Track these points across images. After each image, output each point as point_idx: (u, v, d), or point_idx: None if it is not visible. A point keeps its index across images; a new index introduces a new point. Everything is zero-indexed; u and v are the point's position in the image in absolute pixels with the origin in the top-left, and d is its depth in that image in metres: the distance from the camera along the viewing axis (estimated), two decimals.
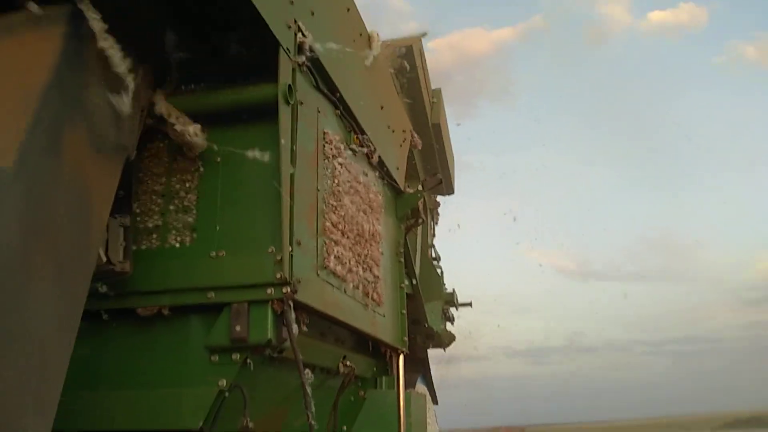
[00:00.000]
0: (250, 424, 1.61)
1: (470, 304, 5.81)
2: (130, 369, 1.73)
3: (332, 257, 2.01)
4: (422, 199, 4.88)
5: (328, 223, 2.03)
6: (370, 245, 2.43)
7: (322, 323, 2.13)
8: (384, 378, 3.52)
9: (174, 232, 1.78)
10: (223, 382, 1.64)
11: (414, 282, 4.24)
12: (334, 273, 2.03)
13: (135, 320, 1.72)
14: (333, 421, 2.34)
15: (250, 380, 1.73)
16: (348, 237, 2.19)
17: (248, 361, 1.67)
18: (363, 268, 2.33)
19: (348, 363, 2.34)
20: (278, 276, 1.64)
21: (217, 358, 1.67)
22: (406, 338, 2.88)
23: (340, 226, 2.12)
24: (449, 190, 5.75)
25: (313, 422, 1.67)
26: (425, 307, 4.58)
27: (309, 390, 1.67)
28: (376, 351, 2.76)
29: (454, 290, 5.59)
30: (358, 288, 2.26)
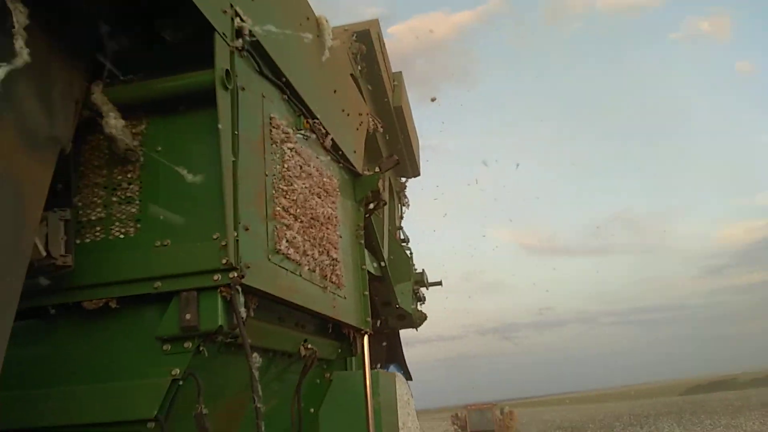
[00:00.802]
0: (205, 411, 1.62)
1: (440, 283, 5.86)
2: (81, 363, 1.72)
3: (284, 241, 2.02)
4: (389, 182, 4.90)
5: (278, 208, 2.03)
6: (327, 228, 2.44)
7: (279, 308, 2.15)
8: (353, 360, 3.56)
9: (118, 223, 1.77)
10: (177, 371, 1.64)
11: (383, 264, 4.27)
12: (287, 257, 2.04)
13: (83, 314, 1.72)
14: (297, 404, 2.36)
15: (206, 368, 1.74)
16: (301, 221, 2.19)
17: (201, 348, 1.68)
18: (319, 251, 2.34)
19: (309, 346, 2.36)
20: (224, 262, 1.65)
21: (169, 347, 1.68)
22: (369, 319, 2.90)
23: (291, 211, 2.13)
24: (415, 173, 5.78)
25: (259, 405, 1.68)
26: (395, 289, 4.64)
27: (257, 374, 1.68)
28: (340, 333, 2.78)
29: (423, 270, 5.63)
30: (314, 271, 2.28)
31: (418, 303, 5.57)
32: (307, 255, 2.21)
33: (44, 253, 1.55)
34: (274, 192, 2.03)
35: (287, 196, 2.12)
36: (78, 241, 1.74)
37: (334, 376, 2.89)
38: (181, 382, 1.66)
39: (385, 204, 3.54)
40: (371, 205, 3.31)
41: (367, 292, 2.92)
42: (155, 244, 1.72)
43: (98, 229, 1.78)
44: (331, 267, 2.45)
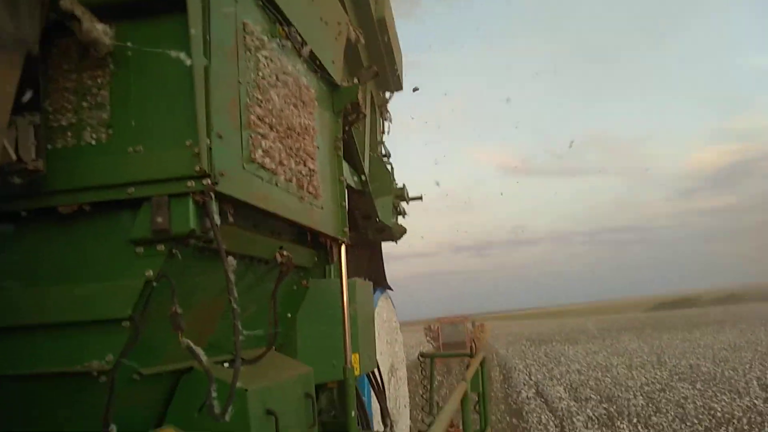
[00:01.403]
0: (179, 310, 1.68)
1: (421, 198, 5.92)
2: (55, 266, 1.76)
3: (259, 150, 2.03)
4: (370, 95, 4.85)
5: (253, 117, 2.02)
6: (303, 139, 2.44)
7: (254, 215, 2.18)
8: (331, 269, 3.65)
9: (89, 129, 1.76)
10: (150, 273, 1.69)
11: (363, 178, 4.29)
12: (262, 166, 2.05)
13: (57, 218, 1.73)
14: (272, 309, 2.44)
15: (180, 271, 1.79)
16: (277, 131, 2.19)
17: (174, 252, 1.72)
18: (296, 161, 2.35)
19: (285, 253, 2.42)
20: (197, 169, 1.66)
21: (142, 250, 1.71)
22: (346, 229, 2.96)
23: (267, 120, 2.12)
24: (397, 87, 5.70)
25: (235, 306, 1.74)
26: (375, 203, 4.67)
27: (233, 277, 1.74)
28: (317, 243, 2.84)
29: (404, 185, 5.67)
30: (291, 181, 2.30)
31: (399, 217, 5.64)
32: (284, 165, 2.23)
33: (14, 157, 1.55)
34: (248, 100, 2.01)
35: (262, 105, 2.10)
36: (50, 147, 1.73)
37: (311, 283, 2.97)
38: (154, 284, 1.71)
39: (365, 117, 3.52)
40: (350, 118, 3.30)
41: (345, 203, 2.97)
42: (128, 150, 1.72)
43: (69, 134, 1.76)
44: (308, 177, 2.47)
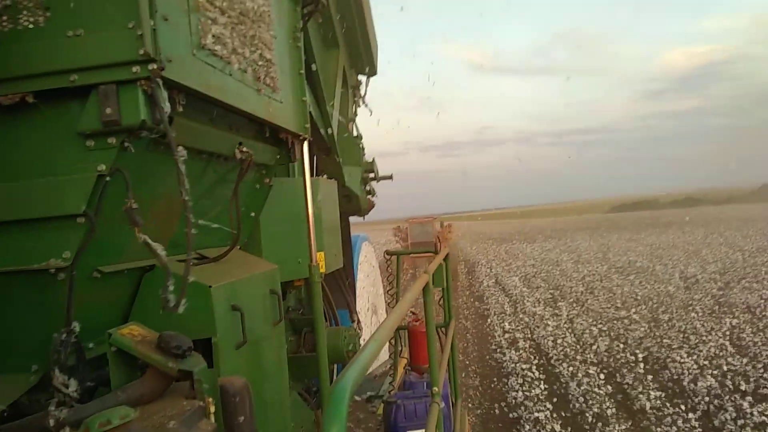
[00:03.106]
0: (135, 205, 1.62)
1: (391, 177, 5.59)
2: (1, 161, 1.66)
3: (210, 36, 1.90)
4: (342, 71, 4.61)
5: None
6: (258, 26, 2.30)
7: (210, 108, 2.09)
8: (295, 168, 3.59)
9: (25, 12, 1.61)
10: (102, 167, 1.62)
11: (329, 131, 4.15)
12: (213, 53, 1.93)
13: (0, 111, 1.62)
14: (235, 207, 2.39)
15: (134, 164, 1.71)
16: (228, 15, 2.05)
17: (127, 144, 1.64)
18: (250, 50, 2.22)
19: (244, 149, 2.34)
20: (141, 52, 1.55)
21: (93, 143, 1.62)
22: (308, 125, 2.87)
23: (217, 3, 1.97)
24: (372, 72, 5.47)
25: (186, 198, 1.69)
26: (343, 170, 4.51)
27: (183, 168, 1.67)
28: (278, 139, 2.76)
29: (374, 159, 5.36)
30: (246, 71, 2.18)
31: (367, 194, 5.35)
32: (237, 53, 2.10)
33: None
34: None
35: None
36: None
37: (274, 181, 2.92)
38: (108, 179, 1.64)
39: (324, 6, 3.33)
40: (308, 8, 3.12)
41: (305, 99, 2.86)
42: (67, 34, 1.59)
43: (4, 18, 1.61)
44: (265, 68, 2.35)
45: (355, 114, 5.44)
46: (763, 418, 8.12)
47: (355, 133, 5.15)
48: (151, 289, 2.04)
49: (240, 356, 2.21)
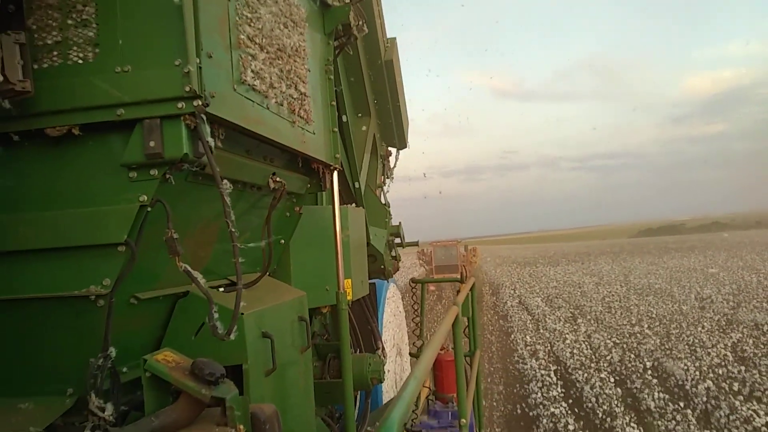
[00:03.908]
0: (175, 235, 1.68)
1: (417, 243, 5.55)
2: (48, 190, 1.73)
3: (249, 72, 1.97)
4: (373, 138, 4.67)
5: (242, 36, 1.95)
6: (294, 61, 2.37)
7: (247, 140, 2.15)
8: (324, 197, 3.64)
9: (75, 48, 1.68)
10: (144, 198, 1.67)
11: (356, 186, 4.19)
12: (253, 88, 1.99)
13: (47, 141, 1.69)
14: (266, 234, 2.44)
15: (174, 196, 1.77)
16: (267, 51, 2.12)
17: (168, 176, 1.70)
18: (287, 84, 2.29)
19: (278, 179, 2.40)
20: (187, 89, 1.61)
21: (135, 174, 1.68)
22: (338, 155, 2.93)
23: (257, 40, 2.04)
24: (402, 145, 5.56)
25: (233, 230, 1.74)
26: (369, 229, 4.41)
27: (228, 200, 1.72)
28: (309, 169, 2.82)
29: (400, 223, 5.29)
30: (282, 105, 2.25)
31: (392, 257, 5.20)
32: (275, 88, 2.17)
33: (1, 78, 1.48)
34: (237, 19, 1.94)
35: (252, 24, 2.02)
36: (36, 67, 1.66)
37: (304, 209, 2.97)
38: (149, 209, 1.70)
39: (356, 39, 3.41)
40: (341, 40, 3.20)
41: (336, 129, 2.92)
42: (115, 70, 1.66)
43: (55, 53, 1.69)
44: (300, 101, 2.41)
45: (384, 183, 5.41)
46: (751, 412, 9.47)
47: (383, 201, 5.09)
48: (184, 315, 2.09)
49: (269, 383, 2.24)
